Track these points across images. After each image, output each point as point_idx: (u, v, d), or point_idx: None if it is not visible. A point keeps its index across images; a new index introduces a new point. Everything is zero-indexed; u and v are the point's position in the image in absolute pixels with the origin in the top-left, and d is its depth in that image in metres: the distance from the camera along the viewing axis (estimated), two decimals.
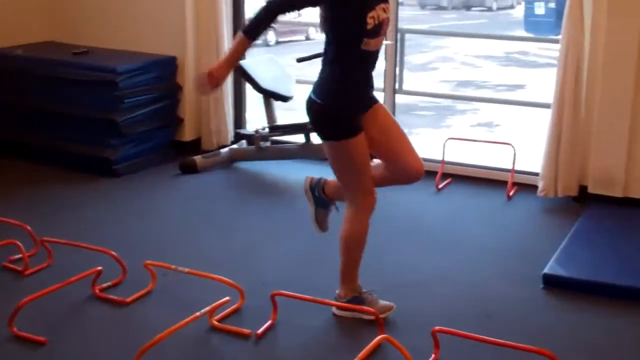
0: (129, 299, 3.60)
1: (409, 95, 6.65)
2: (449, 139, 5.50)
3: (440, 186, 5.26)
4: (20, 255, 3.94)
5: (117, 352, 3.19)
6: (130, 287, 3.70)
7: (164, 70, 5.80)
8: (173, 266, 3.58)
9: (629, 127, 4.76)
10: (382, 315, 3.34)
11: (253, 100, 6.30)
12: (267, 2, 3.20)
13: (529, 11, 16.59)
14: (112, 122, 5.42)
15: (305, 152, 5.63)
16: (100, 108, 5.47)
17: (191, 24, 5.81)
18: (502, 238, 4.50)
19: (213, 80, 3.25)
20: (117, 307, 3.56)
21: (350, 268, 3.48)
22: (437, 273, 4.00)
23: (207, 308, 3.31)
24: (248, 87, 5.96)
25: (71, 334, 3.35)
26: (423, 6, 21.87)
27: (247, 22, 3.27)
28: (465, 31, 14.34)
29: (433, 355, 3.12)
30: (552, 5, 15.56)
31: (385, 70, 5.60)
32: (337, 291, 3.52)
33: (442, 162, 5.37)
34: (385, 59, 5.57)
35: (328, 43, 3.28)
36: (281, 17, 3.23)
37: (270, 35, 15.03)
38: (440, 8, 21.72)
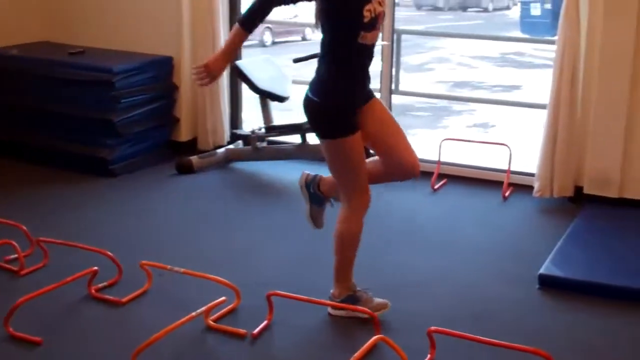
0: (124, 299, 3.59)
1: (405, 95, 6.65)
2: (445, 139, 5.51)
3: (436, 187, 5.26)
4: (15, 255, 3.93)
5: (113, 352, 3.19)
6: (126, 287, 3.70)
7: (160, 70, 5.80)
8: (169, 266, 3.58)
9: (625, 127, 4.77)
10: (377, 313, 3.35)
11: (249, 100, 6.30)
12: None
13: (525, 12, 16.59)
14: (108, 122, 5.42)
15: (301, 153, 5.63)
16: (97, 108, 5.47)
17: (187, 23, 5.81)
18: (498, 238, 4.50)
19: (210, 72, 3.28)
20: (113, 307, 3.56)
21: (345, 267, 3.48)
22: (433, 273, 4.00)
23: (203, 308, 3.31)
24: (244, 88, 5.97)
25: (67, 334, 3.34)
26: (419, 7, 21.87)
27: (244, 12, 3.28)
28: (461, 32, 14.34)
29: (429, 356, 3.12)
30: (548, 6, 15.57)
31: (381, 71, 5.60)
32: (331, 290, 3.52)
33: (438, 162, 5.38)
34: (382, 59, 5.58)
35: (324, 38, 3.28)
36: (277, 8, 3.25)
37: (267, 36, 15.02)
38: (436, 9, 21.72)
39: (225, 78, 5.86)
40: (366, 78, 3.37)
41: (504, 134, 8.03)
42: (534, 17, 16.08)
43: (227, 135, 5.99)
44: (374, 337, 3.07)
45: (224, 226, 4.61)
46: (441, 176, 5.37)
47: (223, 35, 5.75)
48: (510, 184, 5.22)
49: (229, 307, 3.50)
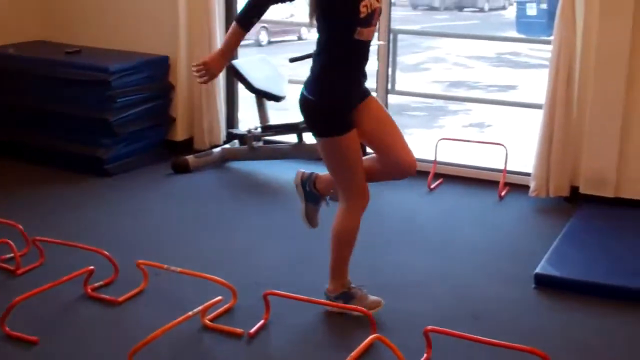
0: (121, 299, 3.59)
1: (401, 95, 6.65)
2: (441, 139, 5.51)
3: (432, 186, 5.27)
4: (12, 255, 3.93)
5: (109, 352, 3.19)
6: (122, 286, 3.70)
7: (157, 70, 5.80)
8: (165, 265, 3.58)
9: (621, 127, 4.77)
10: (371, 311, 3.35)
11: (245, 100, 6.30)
12: None
13: (521, 12, 16.60)
14: (104, 121, 5.41)
15: (297, 152, 5.63)
16: (93, 107, 5.46)
17: (184, 23, 5.81)
18: (494, 238, 4.51)
19: (209, 70, 3.31)
20: (109, 307, 3.56)
21: (341, 263, 3.49)
22: (429, 273, 4.00)
23: (200, 307, 3.30)
24: (240, 87, 5.96)
25: (63, 334, 3.34)
26: (415, 7, 21.87)
27: (241, 10, 3.28)
28: (457, 32, 14.33)
29: (425, 355, 3.12)
30: (544, 6, 15.58)
31: (377, 71, 5.61)
32: (326, 286, 3.52)
33: (434, 162, 5.38)
34: (378, 59, 5.58)
35: (320, 35, 3.28)
36: (273, 6, 3.25)
37: (263, 35, 15.02)
38: (432, 9, 21.72)
39: (221, 78, 5.86)
40: (362, 76, 3.37)
41: (500, 133, 8.05)
42: (529, 17, 16.09)
43: (223, 135, 5.99)
44: (371, 336, 3.08)
45: (220, 225, 4.61)
46: (437, 176, 5.37)
47: (219, 34, 5.75)
48: (506, 184, 5.23)
49: (226, 306, 3.49)
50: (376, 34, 3.43)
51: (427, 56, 14.34)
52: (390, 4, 5.57)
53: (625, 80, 4.71)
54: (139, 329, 3.19)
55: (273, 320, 3.41)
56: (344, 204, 3.41)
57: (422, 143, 6.50)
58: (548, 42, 5.10)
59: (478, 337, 3.01)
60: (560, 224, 4.55)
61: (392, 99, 5.86)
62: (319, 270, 3.67)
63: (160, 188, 5.29)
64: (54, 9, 6.25)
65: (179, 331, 3.18)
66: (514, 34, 16.07)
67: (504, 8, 21.86)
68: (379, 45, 5.52)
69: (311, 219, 3.71)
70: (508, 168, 5.27)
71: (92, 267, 3.68)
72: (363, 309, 3.33)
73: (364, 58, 3.34)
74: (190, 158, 5.60)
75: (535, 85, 8.63)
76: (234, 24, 3.30)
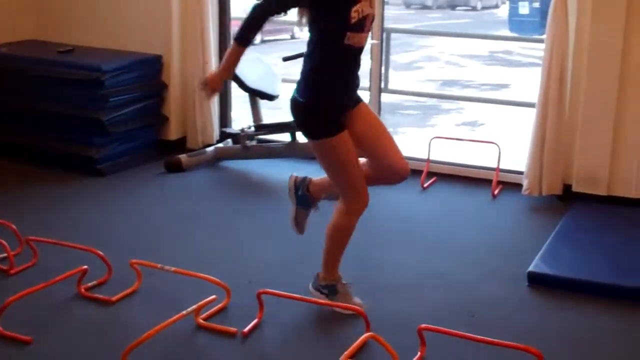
0: (114, 298, 3.59)
1: (394, 94, 6.67)
2: (434, 137, 5.52)
3: (425, 185, 5.27)
4: (5, 254, 3.92)
5: (103, 351, 3.19)
6: (116, 286, 3.69)
7: (150, 69, 5.79)
8: (159, 265, 3.58)
9: (613, 126, 4.79)
10: (345, 312, 3.38)
11: (239, 99, 6.29)
12: (254, 5, 3.23)
13: (514, 11, 16.61)
14: (97, 120, 5.40)
15: (291, 151, 5.63)
16: (85, 107, 5.45)
17: (177, 22, 5.80)
18: (487, 236, 4.51)
19: (211, 87, 3.47)
20: (103, 306, 3.56)
21: (332, 259, 3.51)
22: (423, 271, 4.01)
23: (193, 307, 3.30)
24: (234, 86, 5.96)
25: (57, 333, 3.34)
26: (408, 5, 21.88)
27: (238, 29, 3.31)
28: (450, 30, 14.36)
29: (419, 353, 3.13)
30: (537, 5, 15.59)
31: (370, 69, 5.61)
32: (318, 272, 3.56)
33: (428, 161, 5.39)
34: (371, 58, 5.58)
35: (311, 37, 3.29)
36: (271, 19, 3.26)
37: None
38: (425, 7, 21.74)
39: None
40: (352, 81, 3.36)
41: (492, 132, 8.05)
42: (522, 15, 16.10)
43: (216, 134, 5.98)
44: (365, 335, 3.08)
45: (213, 225, 4.60)
46: (430, 174, 5.38)
47: (212, 33, 5.75)
48: (499, 182, 5.24)
49: (219, 305, 3.50)
50: (369, 34, 3.42)
51: (420, 55, 14.34)
52: (383, 3, 5.58)
53: (618, 79, 4.72)
54: (133, 328, 3.19)
55: (267, 319, 3.41)
56: (342, 204, 3.42)
57: (415, 142, 6.51)
58: (541, 41, 5.12)
59: (472, 335, 3.02)
60: (553, 222, 4.56)
61: (385, 97, 5.87)
62: (312, 269, 3.67)
63: (153, 187, 5.28)
64: (46, 8, 6.23)
65: (173, 330, 3.18)
66: (506, 32, 16.09)
67: (496, 7, 21.88)
68: (372, 44, 5.53)
69: (299, 224, 3.72)
70: (501, 166, 5.29)
71: (85, 266, 3.67)
72: (357, 307, 3.33)
73: (355, 63, 3.33)
74: (183, 157, 5.59)
75: (528, 83, 8.65)
76: (233, 43, 3.35)
